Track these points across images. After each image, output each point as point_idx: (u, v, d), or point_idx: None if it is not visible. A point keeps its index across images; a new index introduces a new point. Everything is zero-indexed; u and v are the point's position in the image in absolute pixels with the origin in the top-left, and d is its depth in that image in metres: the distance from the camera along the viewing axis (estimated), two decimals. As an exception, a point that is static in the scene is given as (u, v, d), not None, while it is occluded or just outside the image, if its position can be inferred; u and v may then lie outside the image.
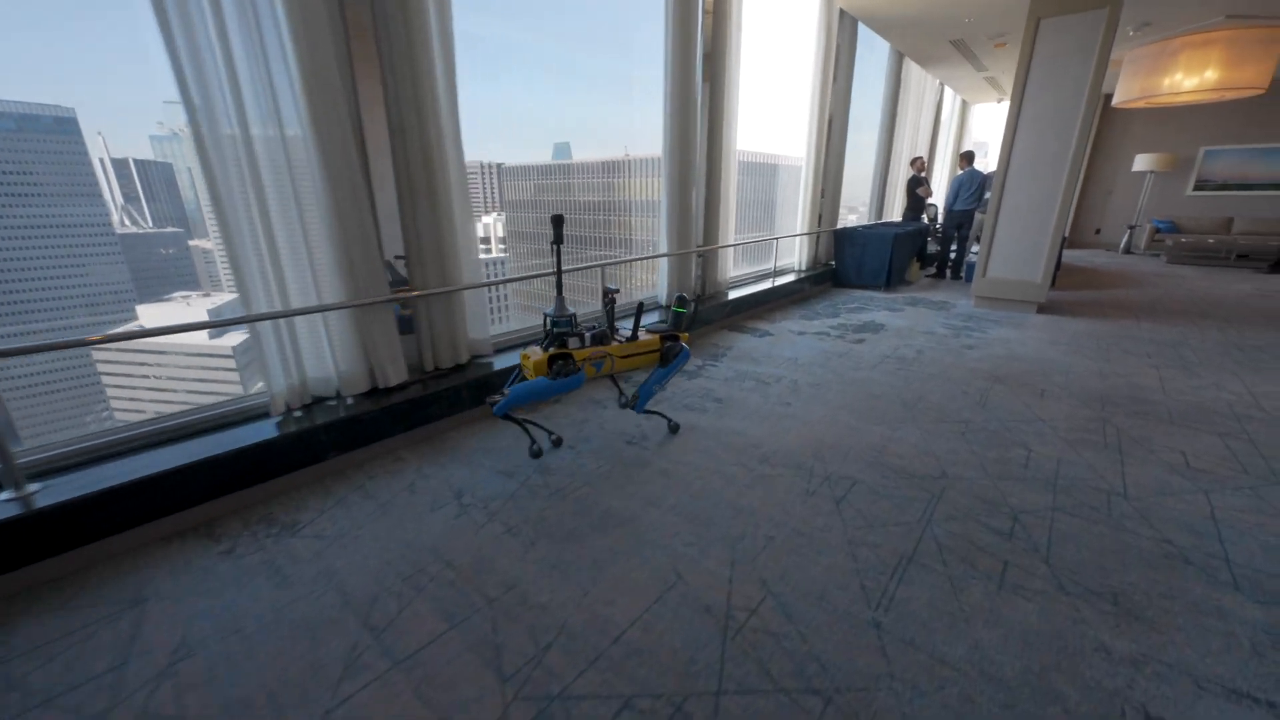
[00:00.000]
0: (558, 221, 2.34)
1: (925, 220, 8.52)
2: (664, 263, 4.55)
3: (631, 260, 4.58)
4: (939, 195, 11.32)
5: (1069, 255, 10.75)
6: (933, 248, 8.89)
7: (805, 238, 6.76)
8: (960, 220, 7.62)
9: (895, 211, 9.52)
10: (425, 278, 2.81)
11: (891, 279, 6.78)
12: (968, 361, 4.13)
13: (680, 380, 3.67)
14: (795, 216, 6.71)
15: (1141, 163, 11.13)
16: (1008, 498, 2.41)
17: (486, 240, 6.55)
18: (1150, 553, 2.05)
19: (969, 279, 7.36)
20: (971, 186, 7.34)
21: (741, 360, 4.11)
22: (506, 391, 2.28)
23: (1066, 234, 11.79)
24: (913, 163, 8.44)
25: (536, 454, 2.47)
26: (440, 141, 2.68)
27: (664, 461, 2.55)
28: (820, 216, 6.92)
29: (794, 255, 6.79)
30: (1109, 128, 11.77)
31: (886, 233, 6.68)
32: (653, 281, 4.75)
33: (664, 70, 4.10)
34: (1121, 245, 11.30)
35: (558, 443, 2.58)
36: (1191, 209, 11.07)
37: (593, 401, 3.22)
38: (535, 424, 2.67)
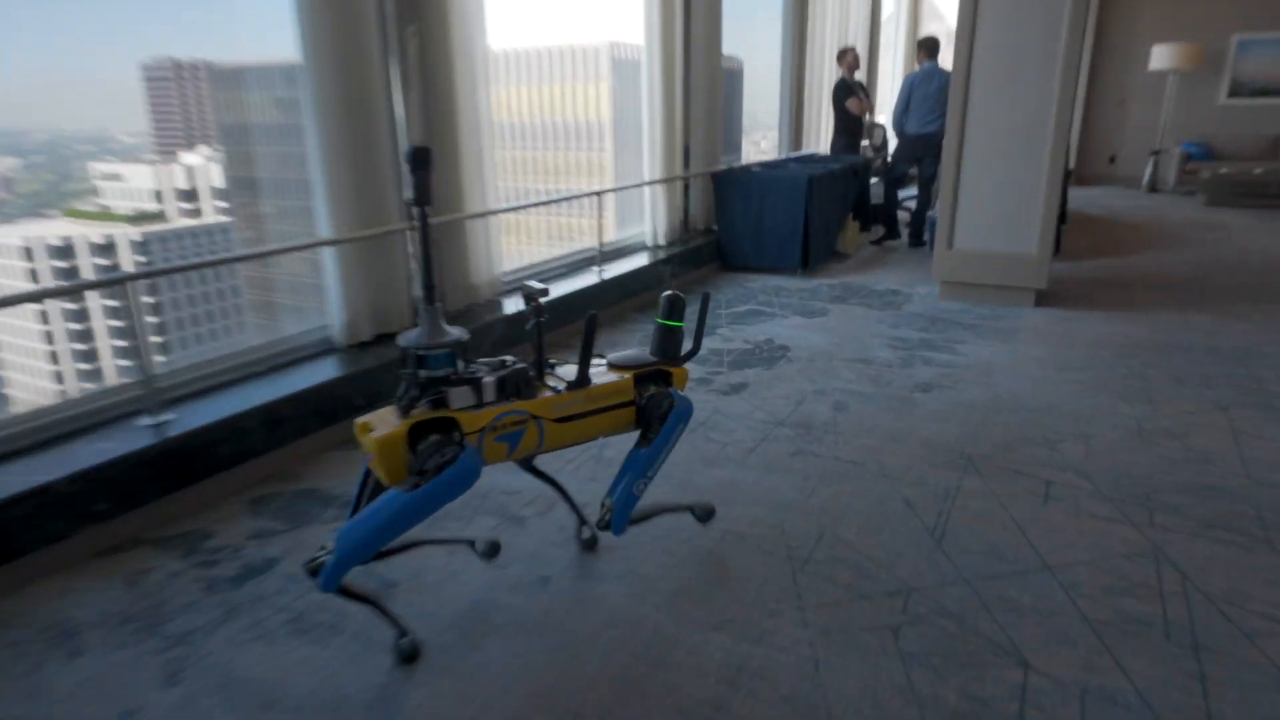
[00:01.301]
0: (419, 158, 1.73)
1: (867, 152, 7.46)
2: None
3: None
4: (886, 109, 10.28)
5: (1076, 196, 10.13)
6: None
7: (660, 191, 5.54)
8: (918, 149, 6.67)
9: (821, 141, 8.51)
10: None
11: (811, 254, 5.72)
12: (921, 424, 3.08)
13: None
14: (639, 155, 5.48)
15: (1160, 58, 10.66)
16: None
17: (191, 196, 5.10)
18: None
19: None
20: (932, 92, 6.33)
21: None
22: (329, 550, 1.66)
23: (1070, 167, 11.21)
24: (840, 58, 7.37)
25: (407, 654, 1.80)
26: None
27: None
28: (686, 152, 5.71)
29: (643, 222, 5.58)
30: (1113, 9, 11.23)
31: (797, 176, 5.60)
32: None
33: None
34: (1145, 180, 10.83)
35: (492, 551, 2.12)
36: (1227, 125, 10.70)
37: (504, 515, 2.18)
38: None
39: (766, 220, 5.78)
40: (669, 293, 2.08)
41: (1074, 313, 4.69)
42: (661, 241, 5.63)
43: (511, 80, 5.92)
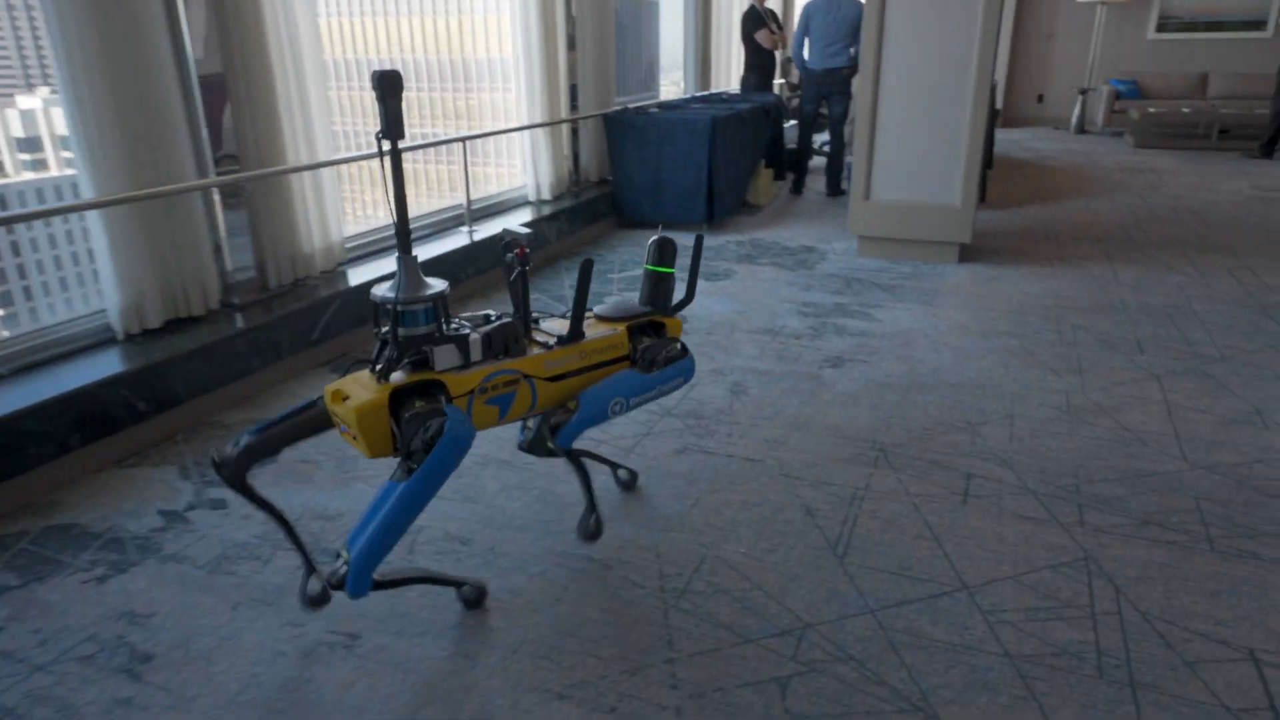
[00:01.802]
0: (387, 84, 1.57)
1: (781, 91, 7.20)
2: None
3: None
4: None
5: (1003, 139, 10.18)
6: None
7: (541, 138, 5.16)
8: (824, 86, 6.44)
9: (731, 79, 8.22)
10: None
11: (717, 207, 5.43)
12: (830, 408, 2.87)
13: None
14: (511, 95, 5.07)
15: (1090, -9, 10.74)
16: None
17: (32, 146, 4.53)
18: None
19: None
20: (834, 22, 6.08)
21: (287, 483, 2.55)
22: (345, 559, 1.62)
23: (998, 108, 11.26)
24: None
25: (474, 600, 1.86)
26: None
27: None
28: (574, 92, 5.33)
29: (527, 173, 5.20)
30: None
31: (699, 118, 5.28)
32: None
33: None
34: (1073, 120, 10.96)
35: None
36: (1156, 61, 10.91)
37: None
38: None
39: (666, 169, 5.46)
40: (658, 236, 2.04)
41: (1000, 269, 4.57)
42: (546, 195, 5.25)
43: (402, 10, 5.36)
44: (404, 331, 1.65)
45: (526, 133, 5.06)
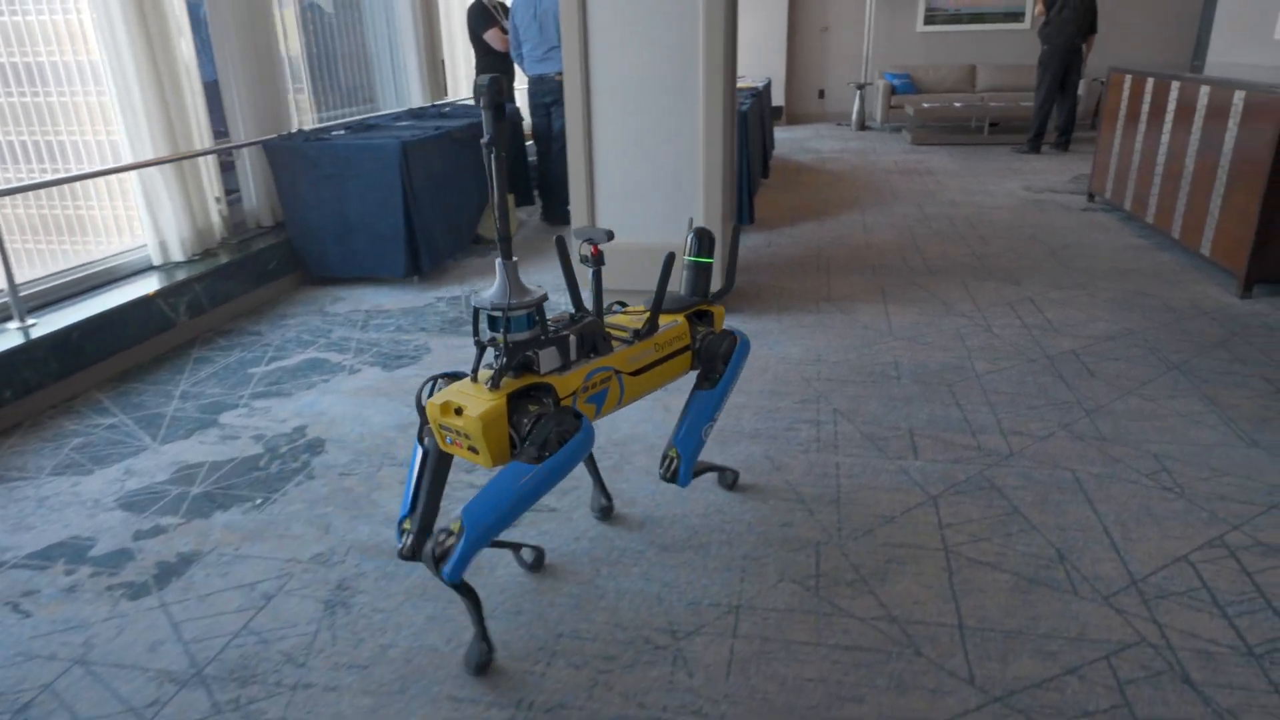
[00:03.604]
0: (492, 94, 1.58)
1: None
2: None
3: None
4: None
5: (785, 139, 9.71)
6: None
7: (160, 179, 3.90)
8: (539, 96, 5.55)
9: (463, 87, 7.16)
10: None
11: (424, 252, 4.36)
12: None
13: None
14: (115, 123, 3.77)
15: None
16: None
17: None
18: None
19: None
20: (535, 20, 5.18)
21: None
22: (455, 533, 1.59)
23: (781, 104, 10.86)
24: None
25: (480, 666, 1.76)
26: None
27: None
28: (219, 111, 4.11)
29: (145, 227, 3.90)
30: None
31: (386, 143, 4.18)
32: None
33: None
34: (853, 117, 10.67)
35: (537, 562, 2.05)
36: (927, 54, 10.86)
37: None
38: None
39: (353, 210, 4.29)
40: (698, 227, 2.20)
41: (759, 322, 3.77)
42: (178, 255, 3.94)
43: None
44: (510, 336, 1.67)
45: (135, 173, 3.73)
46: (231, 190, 4.49)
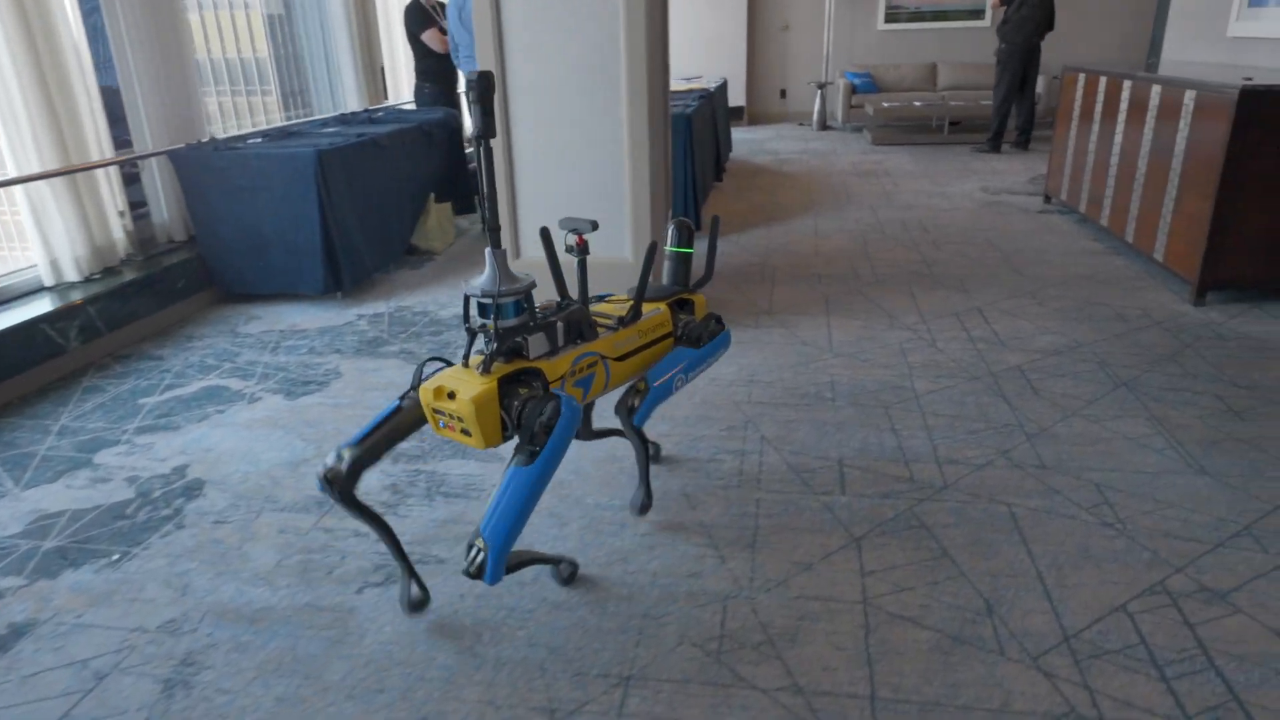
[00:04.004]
0: (483, 87, 1.65)
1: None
2: None
3: None
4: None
5: (745, 140, 9.53)
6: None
7: (50, 192, 3.66)
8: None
9: (404, 89, 6.93)
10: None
11: (346, 267, 4.13)
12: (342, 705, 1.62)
13: None
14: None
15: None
16: None
17: None
18: None
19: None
20: (463, 21, 4.99)
21: None
22: (482, 549, 1.66)
23: (742, 104, 10.70)
24: None
25: (568, 578, 1.98)
26: None
27: None
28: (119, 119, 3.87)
29: (34, 244, 3.65)
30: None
31: (300, 152, 3.94)
32: None
33: None
34: (815, 117, 10.53)
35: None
36: (888, 53, 10.74)
37: None
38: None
39: (268, 223, 4.05)
40: (678, 218, 2.32)
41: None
42: (72, 275, 3.68)
43: None
44: (500, 323, 1.71)
45: (18, 186, 3.47)
46: (140, 203, 4.23)
